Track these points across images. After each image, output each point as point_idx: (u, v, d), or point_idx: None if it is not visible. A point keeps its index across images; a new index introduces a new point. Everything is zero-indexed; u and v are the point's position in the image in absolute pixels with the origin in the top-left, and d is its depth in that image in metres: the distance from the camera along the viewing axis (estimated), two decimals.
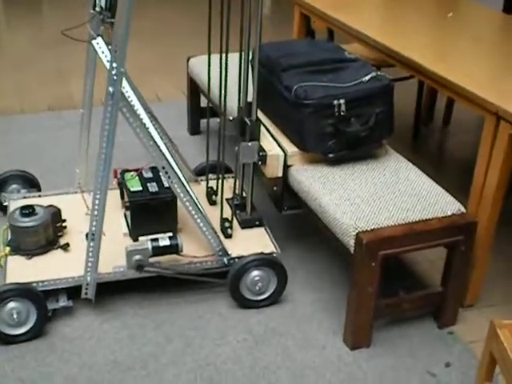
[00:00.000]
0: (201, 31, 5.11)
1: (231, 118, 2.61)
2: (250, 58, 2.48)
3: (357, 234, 2.21)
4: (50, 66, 4.92)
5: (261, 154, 2.52)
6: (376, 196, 2.37)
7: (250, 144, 2.50)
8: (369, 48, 3.08)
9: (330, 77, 2.54)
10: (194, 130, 3.89)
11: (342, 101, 2.43)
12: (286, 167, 2.57)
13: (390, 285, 2.39)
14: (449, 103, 4.19)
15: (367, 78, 2.52)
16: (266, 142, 2.59)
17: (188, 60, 3.70)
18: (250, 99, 2.52)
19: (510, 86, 2.57)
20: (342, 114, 2.44)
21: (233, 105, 2.72)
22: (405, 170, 2.55)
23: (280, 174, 2.57)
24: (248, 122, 2.50)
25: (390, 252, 2.24)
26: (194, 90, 3.73)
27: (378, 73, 2.57)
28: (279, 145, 2.58)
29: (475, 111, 2.45)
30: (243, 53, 2.44)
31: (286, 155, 2.54)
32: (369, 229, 2.22)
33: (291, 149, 2.57)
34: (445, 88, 2.59)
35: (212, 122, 2.84)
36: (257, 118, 2.51)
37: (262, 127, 2.57)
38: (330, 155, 2.50)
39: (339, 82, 2.50)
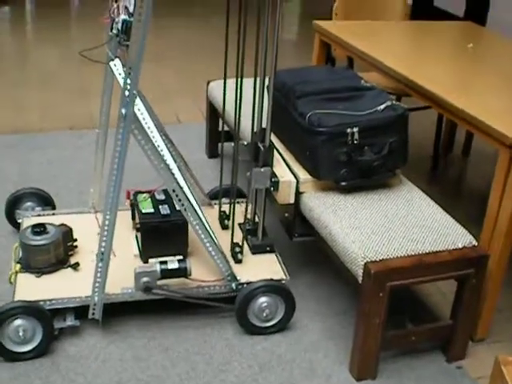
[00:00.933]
0: (223, 53, 5.14)
1: (245, 143, 2.62)
2: (266, 83, 2.48)
3: (365, 263, 2.19)
4: (74, 84, 4.97)
5: (273, 180, 2.52)
6: (386, 226, 2.36)
7: (262, 170, 2.50)
8: (387, 77, 3.07)
9: (346, 105, 2.54)
10: (212, 153, 3.89)
11: (355, 129, 2.42)
12: (298, 194, 2.56)
13: (399, 315, 2.36)
14: (468, 134, 4.17)
15: (382, 106, 2.51)
16: (279, 168, 2.59)
17: (208, 84, 3.72)
18: (264, 125, 2.53)
19: None
20: (356, 142, 2.43)
21: (248, 129, 2.72)
22: (418, 200, 2.53)
23: (292, 201, 2.57)
24: (261, 148, 2.50)
25: (398, 283, 2.22)
26: (213, 113, 3.75)
27: (394, 102, 2.56)
28: (292, 171, 2.58)
29: (491, 143, 2.44)
30: (258, 78, 2.44)
31: (298, 182, 2.54)
32: (377, 259, 2.21)
33: (304, 176, 2.56)
34: (462, 120, 2.57)
35: (228, 146, 2.84)
36: (270, 143, 2.51)
37: (275, 152, 2.57)
38: (343, 183, 2.49)
39: (354, 110, 2.50)
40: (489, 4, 6.60)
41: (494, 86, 2.88)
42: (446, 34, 3.70)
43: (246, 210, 2.74)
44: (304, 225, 2.60)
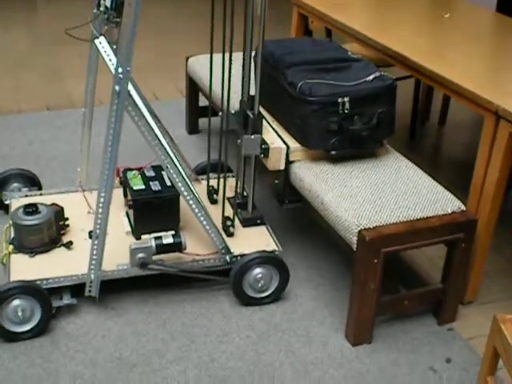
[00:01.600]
0: (197, 30, 5.13)
1: (233, 111, 2.63)
2: (253, 54, 2.50)
3: (359, 231, 2.24)
4: (46, 65, 4.92)
5: (263, 146, 2.55)
6: (377, 194, 2.40)
7: (252, 137, 2.52)
8: (367, 48, 3.11)
9: (334, 75, 2.57)
10: (193, 129, 3.91)
11: (346, 99, 2.46)
12: (288, 161, 2.59)
13: (390, 282, 2.42)
14: (444, 104, 4.23)
15: (371, 77, 2.55)
16: (269, 136, 2.62)
17: (187, 59, 3.72)
18: (252, 93, 2.55)
19: (508, 86, 2.61)
20: (346, 111, 2.47)
21: (234, 103, 2.74)
22: (405, 168, 2.58)
23: (282, 167, 2.60)
24: (250, 115, 2.51)
25: (391, 249, 2.27)
26: (193, 89, 3.75)
27: (382, 73, 2.60)
28: (282, 139, 2.61)
29: (475, 110, 2.48)
30: (246, 46, 2.45)
31: (288, 148, 2.57)
32: (371, 226, 2.25)
33: (293, 145, 2.59)
34: (445, 87, 2.62)
35: (212, 121, 2.85)
36: (259, 111, 2.53)
37: (264, 122, 2.59)
38: (333, 152, 2.53)
39: (343, 80, 2.53)
40: None
41: (473, 54, 2.92)
42: (422, 5, 3.74)
43: (237, 183, 2.77)
44: (293, 192, 2.63)
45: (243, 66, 2.51)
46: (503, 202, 2.47)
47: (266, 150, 2.55)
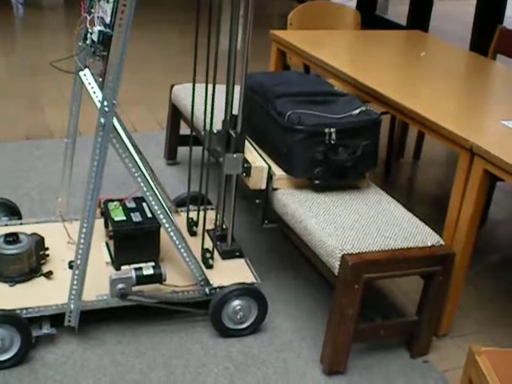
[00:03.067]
0: (176, 63, 5.21)
1: (215, 131, 2.67)
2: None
3: (342, 255, 2.28)
4: (25, 95, 4.95)
5: (245, 165, 2.59)
6: (360, 223, 2.46)
7: (234, 156, 2.56)
8: (344, 84, 3.18)
9: (322, 108, 2.64)
10: (171, 156, 3.96)
11: (332, 130, 2.52)
12: (270, 182, 2.64)
13: (366, 311, 2.45)
14: (419, 139, 4.32)
15: (357, 111, 2.62)
16: (251, 156, 2.67)
17: (172, 87, 3.77)
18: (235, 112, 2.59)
19: (482, 123, 2.70)
20: (332, 142, 2.53)
21: (217, 124, 2.76)
22: (386, 202, 2.64)
23: (263, 186, 2.64)
24: (233, 134, 2.56)
25: (373, 276, 2.33)
26: (175, 117, 3.81)
27: (368, 107, 2.67)
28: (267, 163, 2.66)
29: (450, 147, 2.55)
30: (231, 66, 2.50)
31: (270, 168, 2.62)
32: (354, 252, 2.30)
33: (279, 172, 2.65)
34: (420, 124, 2.69)
35: (190, 151, 2.88)
36: (241, 130, 2.57)
37: (246, 143, 2.64)
38: (316, 182, 2.59)
39: (330, 113, 2.60)
40: (431, 13, 6.82)
41: (448, 92, 3.01)
42: (398, 43, 3.84)
43: (216, 216, 2.81)
44: (273, 213, 2.69)
45: (227, 86, 2.54)
46: (477, 237, 2.53)
47: (247, 169, 2.59)
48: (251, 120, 2.65)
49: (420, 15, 6.86)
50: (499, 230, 3.65)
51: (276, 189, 2.65)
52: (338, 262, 2.29)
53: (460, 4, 10.16)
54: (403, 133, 4.32)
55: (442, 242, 2.43)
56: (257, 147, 2.81)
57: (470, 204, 2.44)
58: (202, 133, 2.68)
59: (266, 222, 2.72)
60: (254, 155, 2.70)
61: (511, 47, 3.80)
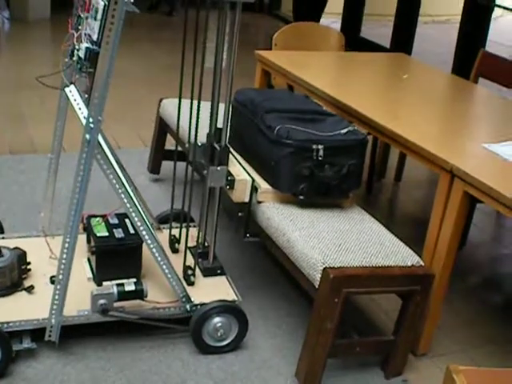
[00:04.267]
0: (160, 80, 5.24)
1: (200, 143, 2.69)
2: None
3: (324, 268, 2.31)
4: (9, 110, 4.95)
5: (229, 178, 2.62)
6: (343, 239, 2.48)
7: (218, 168, 2.58)
8: (327, 104, 3.21)
9: (310, 125, 2.67)
10: (155, 170, 3.98)
11: (320, 146, 2.56)
12: (254, 197, 2.67)
13: (343, 328, 2.47)
14: (400, 161, 4.36)
15: (344, 131, 2.66)
16: (234, 169, 2.70)
17: (160, 101, 3.80)
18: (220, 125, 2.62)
19: (462, 145, 2.74)
20: (320, 158, 2.56)
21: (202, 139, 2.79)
22: (368, 221, 2.67)
23: (247, 199, 2.67)
24: (217, 147, 2.58)
25: (353, 290, 2.35)
26: (162, 130, 3.83)
27: (355, 127, 2.71)
28: (251, 178, 2.69)
29: (430, 168, 2.59)
30: (216, 80, 2.52)
31: (253, 181, 2.66)
32: (335, 266, 2.33)
33: (264, 186, 2.68)
34: (402, 146, 2.73)
35: (171, 167, 2.90)
36: (226, 144, 2.60)
37: (230, 156, 2.66)
38: (301, 197, 2.61)
39: (319, 130, 2.63)
40: (414, 36, 6.89)
41: (429, 114, 3.05)
42: (381, 65, 3.89)
43: (199, 233, 2.82)
44: (255, 226, 2.72)
45: (212, 100, 2.57)
46: (456, 258, 2.56)
47: (231, 182, 2.62)
48: (240, 134, 2.68)
49: (403, 38, 6.93)
50: (479, 252, 3.69)
51: (261, 202, 2.68)
52: (319, 275, 2.31)
53: (444, 27, 10.30)
54: (385, 154, 4.36)
55: (421, 263, 2.46)
56: (242, 161, 2.84)
57: (450, 225, 2.47)
58: (187, 145, 2.70)
59: (248, 235, 2.74)
60: (237, 168, 2.73)
61: (493, 71, 3.86)
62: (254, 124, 2.75)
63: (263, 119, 2.71)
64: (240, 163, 2.79)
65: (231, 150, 2.71)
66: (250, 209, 2.70)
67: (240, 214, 2.71)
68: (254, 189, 2.67)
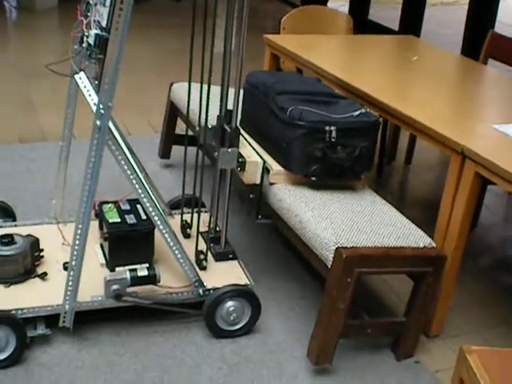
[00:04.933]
0: (170, 67, 5.24)
1: (210, 126, 2.69)
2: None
3: (337, 248, 2.31)
4: (19, 98, 4.96)
5: (240, 160, 2.62)
6: (355, 220, 2.49)
7: (229, 150, 2.57)
8: (337, 87, 3.20)
9: (322, 107, 2.66)
10: (165, 155, 3.99)
11: (333, 128, 2.56)
12: (265, 174, 2.67)
13: (355, 308, 2.47)
14: (411, 143, 4.35)
15: (357, 113, 2.65)
16: (245, 150, 2.70)
17: (171, 85, 3.80)
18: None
19: (473, 126, 2.73)
20: (332, 140, 2.56)
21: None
22: (380, 204, 2.67)
23: (258, 181, 2.68)
24: (228, 129, 2.57)
25: (365, 270, 2.36)
26: (173, 114, 3.83)
27: (367, 110, 2.71)
28: (262, 158, 2.69)
29: (441, 150, 2.59)
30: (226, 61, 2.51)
31: (264, 162, 2.66)
32: (348, 246, 2.34)
33: (276, 167, 2.68)
34: (412, 128, 2.73)
35: (182, 153, 2.90)
36: (236, 126, 2.59)
37: (241, 138, 2.66)
38: (313, 178, 2.61)
39: (331, 112, 2.63)
40: (423, 18, 6.86)
41: (440, 96, 3.04)
42: (390, 47, 3.87)
43: (210, 218, 2.83)
44: (267, 208, 2.72)
45: (222, 81, 2.56)
46: (468, 239, 2.56)
47: (242, 164, 2.62)
48: (252, 116, 2.68)
49: (412, 20, 6.90)
50: (490, 233, 3.68)
51: (272, 183, 2.68)
52: (332, 255, 2.32)
53: (452, 9, 10.24)
54: (395, 137, 4.35)
55: (433, 245, 2.46)
56: (253, 143, 2.84)
57: (461, 206, 2.47)
58: (197, 128, 2.70)
59: (260, 217, 2.75)
60: (248, 150, 2.73)
61: (502, 52, 3.84)
62: (266, 106, 2.75)
63: (275, 101, 2.71)
64: (251, 145, 2.79)
65: (242, 132, 2.71)
66: (262, 191, 2.70)
67: (251, 195, 2.72)
68: (266, 170, 2.67)
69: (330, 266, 2.34)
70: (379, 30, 7.24)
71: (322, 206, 2.54)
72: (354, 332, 2.53)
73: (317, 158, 2.58)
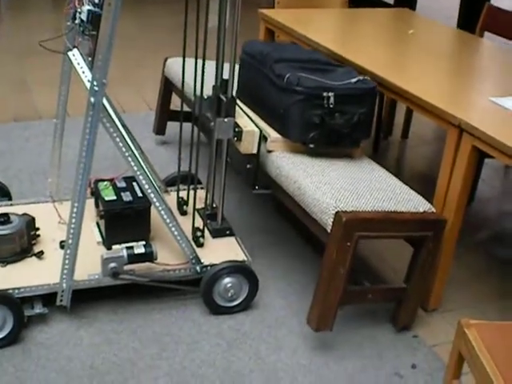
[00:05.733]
0: (164, 43, 5.19)
1: (206, 96, 2.66)
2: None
3: (336, 212, 2.30)
4: (12, 76, 4.93)
5: (236, 130, 2.60)
6: (354, 186, 2.48)
7: (225, 120, 2.55)
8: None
9: (320, 75, 2.65)
10: (160, 131, 3.96)
11: (331, 94, 2.54)
12: (261, 143, 2.65)
13: (355, 275, 2.47)
14: (407, 118, 4.33)
15: (354, 80, 2.64)
16: (242, 120, 2.68)
17: (165, 60, 3.77)
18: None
19: (470, 100, 2.72)
20: (331, 106, 2.54)
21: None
22: (378, 171, 2.67)
23: (255, 151, 2.66)
24: (224, 99, 2.55)
25: (365, 234, 2.34)
26: (167, 90, 3.80)
27: (365, 77, 2.69)
28: (258, 127, 2.66)
29: (438, 124, 2.57)
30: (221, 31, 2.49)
31: (261, 132, 2.63)
32: (348, 210, 2.33)
33: (273, 134, 2.67)
34: (409, 101, 2.71)
35: (177, 130, 2.88)
36: (232, 95, 2.57)
37: (237, 108, 2.63)
38: (311, 145, 2.60)
39: (329, 79, 2.61)
40: None
41: (436, 69, 3.02)
42: (385, 21, 3.84)
43: (206, 195, 2.82)
44: (265, 178, 2.72)
45: (217, 51, 2.54)
46: (465, 213, 2.55)
47: (239, 134, 2.60)
48: (248, 86, 2.67)
49: None
50: (488, 207, 3.68)
51: (270, 151, 2.67)
52: (331, 219, 2.31)
53: None
54: (391, 111, 4.33)
55: (433, 210, 2.46)
56: (250, 113, 2.82)
57: (459, 180, 2.46)
58: (193, 99, 2.67)
59: (257, 187, 2.74)
60: (245, 120, 2.70)
61: (499, 25, 3.81)
62: (264, 74, 2.73)
63: (272, 68, 2.69)
64: (248, 115, 2.77)
65: (239, 102, 2.69)
66: (259, 160, 2.68)
67: (248, 165, 2.70)
68: (263, 138, 2.65)
69: (329, 231, 2.33)
70: (374, 3, 7.14)
71: (320, 173, 2.53)
72: (354, 298, 2.52)
73: (315, 125, 2.56)
